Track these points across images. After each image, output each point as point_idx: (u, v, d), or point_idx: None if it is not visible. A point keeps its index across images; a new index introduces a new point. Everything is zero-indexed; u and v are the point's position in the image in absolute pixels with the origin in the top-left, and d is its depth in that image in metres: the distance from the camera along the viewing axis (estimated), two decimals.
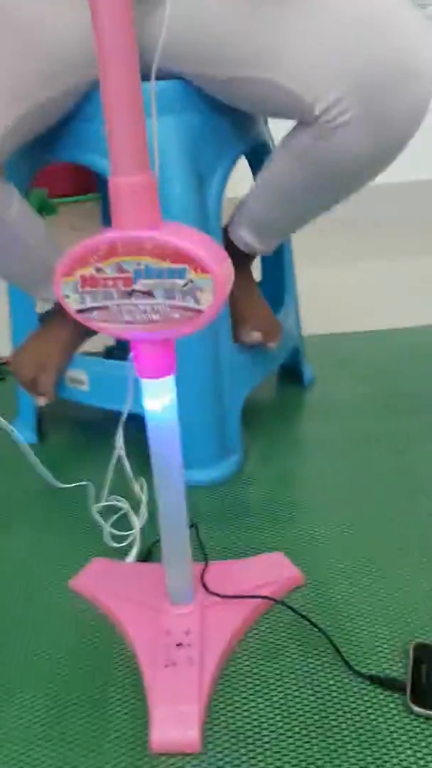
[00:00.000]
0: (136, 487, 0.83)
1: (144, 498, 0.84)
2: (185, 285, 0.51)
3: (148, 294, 0.52)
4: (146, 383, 0.58)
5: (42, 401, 0.94)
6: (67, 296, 0.53)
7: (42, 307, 0.99)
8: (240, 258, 0.91)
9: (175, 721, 0.58)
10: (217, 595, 0.69)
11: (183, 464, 0.62)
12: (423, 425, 1.02)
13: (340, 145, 0.69)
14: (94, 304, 0.53)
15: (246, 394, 0.98)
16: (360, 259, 1.83)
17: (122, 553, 0.80)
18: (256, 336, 0.92)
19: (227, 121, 0.82)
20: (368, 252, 1.88)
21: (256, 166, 1.01)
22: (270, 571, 0.74)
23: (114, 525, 0.82)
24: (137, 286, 0.52)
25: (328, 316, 1.40)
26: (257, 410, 1.10)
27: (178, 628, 0.65)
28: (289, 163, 0.78)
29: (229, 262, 0.53)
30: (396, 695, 0.61)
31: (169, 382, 0.58)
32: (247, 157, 1.00)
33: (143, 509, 0.83)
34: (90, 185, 2.35)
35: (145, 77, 0.50)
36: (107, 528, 0.81)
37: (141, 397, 0.59)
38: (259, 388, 1.12)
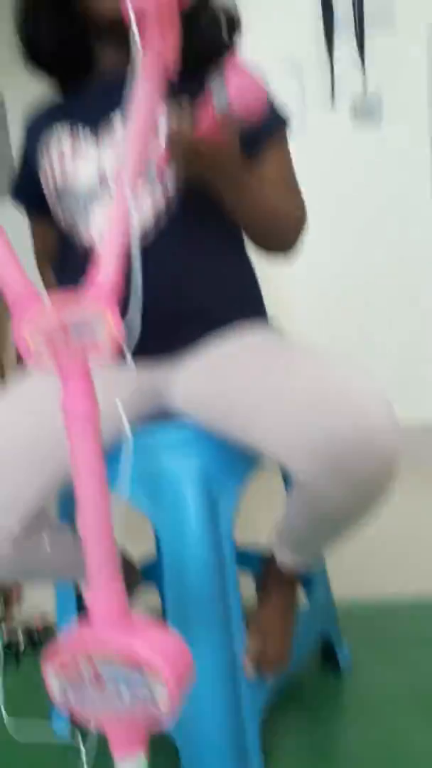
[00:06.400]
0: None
1: None
2: (144, 686, 0.57)
3: (117, 691, 0.58)
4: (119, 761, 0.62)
5: None
6: (53, 687, 0.61)
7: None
8: (285, 575, 0.98)
9: None
10: None
11: None
12: None
13: (323, 503, 0.78)
14: (75, 697, 0.60)
15: (269, 700, 0.97)
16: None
17: None
18: (248, 668, 0.89)
19: (235, 450, 0.92)
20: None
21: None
22: None
23: None
24: (107, 684, 0.58)
25: (359, 576, 1.37)
26: (288, 708, 1.07)
27: None
28: (295, 507, 0.87)
29: (189, 661, 0.59)
30: None
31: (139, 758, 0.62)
32: None
33: None
34: None
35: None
36: None
37: None
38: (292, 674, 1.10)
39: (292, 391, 0.75)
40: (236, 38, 0.96)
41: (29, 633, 1.30)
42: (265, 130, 0.96)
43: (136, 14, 0.56)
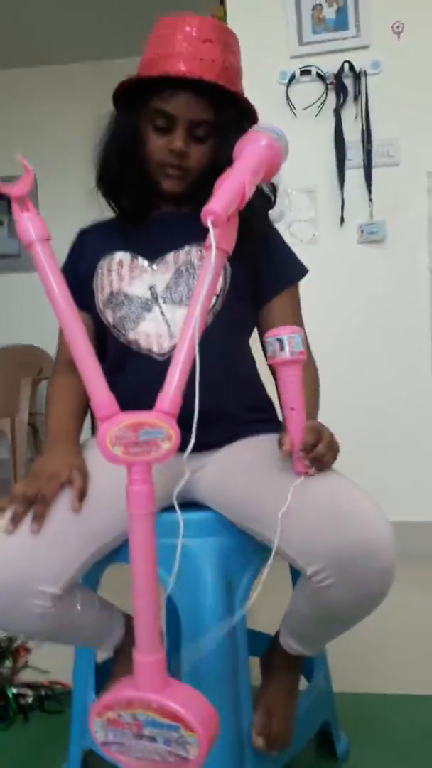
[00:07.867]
0: None
1: None
2: (179, 738, 0.69)
3: (153, 739, 0.70)
4: None
5: None
6: (97, 731, 0.72)
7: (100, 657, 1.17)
8: (289, 659, 1.08)
9: None
10: None
11: None
12: None
13: (329, 601, 0.91)
14: (114, 739, 0.72)
15: None
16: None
17: None
18: (258, 741, 1.01)
19: (252, 541, 1.06)
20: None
21: None
22: None
23: None
24: (145, 732, 0.70)
25: (360, 673, 1.46)
26: None
27: None
28: (301, 601, 0.98)
29: (216, 720, 0.71)
30: None
31: None
32: None
33: None
34: None
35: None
36: None
37: None
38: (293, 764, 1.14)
39: (315, 506, 0.90)
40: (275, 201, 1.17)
41: (37, 689, 1.38)
42: (290, 280, 1.21)
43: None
